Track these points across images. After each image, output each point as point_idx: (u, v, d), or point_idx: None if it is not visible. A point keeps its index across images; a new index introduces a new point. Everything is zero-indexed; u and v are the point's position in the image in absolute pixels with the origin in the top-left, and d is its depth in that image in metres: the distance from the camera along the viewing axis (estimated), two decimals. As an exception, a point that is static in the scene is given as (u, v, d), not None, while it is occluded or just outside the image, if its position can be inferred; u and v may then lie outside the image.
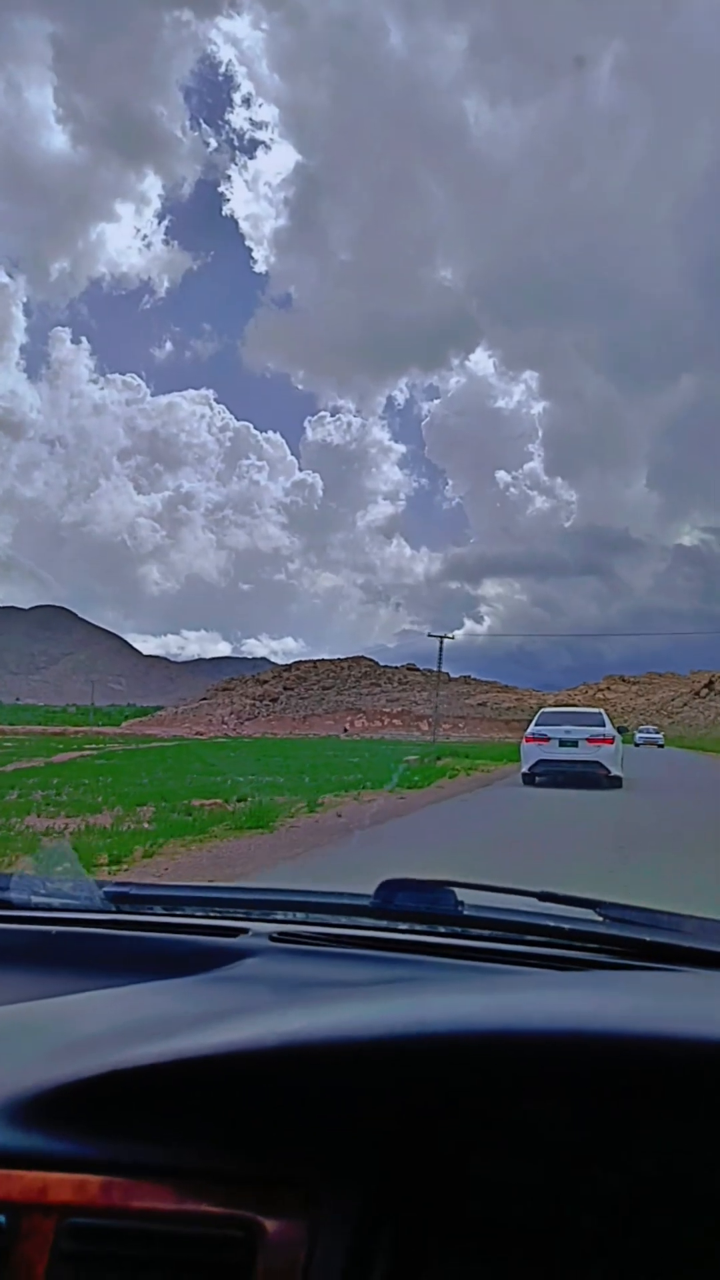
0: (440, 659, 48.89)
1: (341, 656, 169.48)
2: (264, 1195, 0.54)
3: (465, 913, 0.98)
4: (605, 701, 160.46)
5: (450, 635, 47.76)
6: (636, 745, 27.65)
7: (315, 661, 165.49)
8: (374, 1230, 0.54)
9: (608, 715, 15.20)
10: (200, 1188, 0.55)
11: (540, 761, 13.75)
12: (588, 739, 13.48)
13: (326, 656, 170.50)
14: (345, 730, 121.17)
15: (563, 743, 13.55)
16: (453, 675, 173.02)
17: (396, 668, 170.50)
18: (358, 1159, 0.55)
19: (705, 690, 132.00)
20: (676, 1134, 0.51)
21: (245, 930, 0.95)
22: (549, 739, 13.75)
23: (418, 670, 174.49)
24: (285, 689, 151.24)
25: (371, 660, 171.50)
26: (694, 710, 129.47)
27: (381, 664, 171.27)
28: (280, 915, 1.03)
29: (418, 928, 0.97)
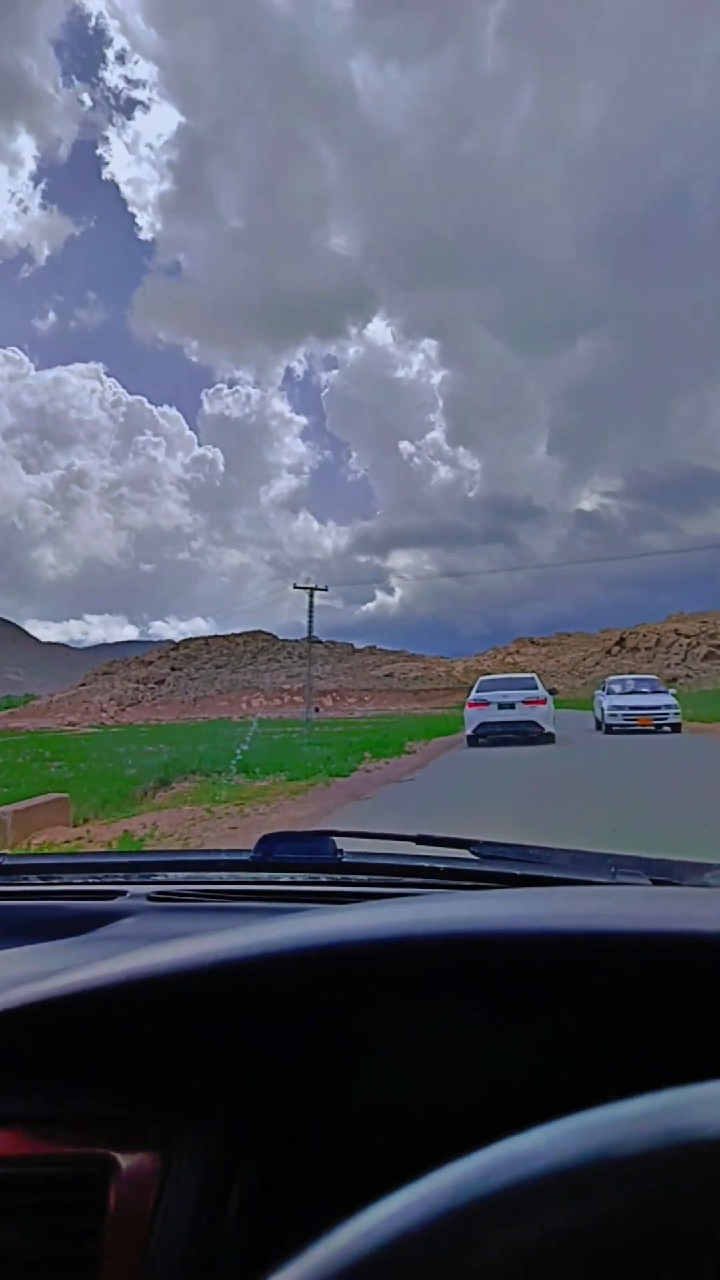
0: (311, 618, 40.98)
1: (237, 631, 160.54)
2: (118, 1133, 0.56)
3: (344, 860, 1.01)
4: (516, 665, 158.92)
5: (322, 587, 39.87)
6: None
7: (207, 638, 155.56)
8: (231, 1162, 0.55)
9: (539, 678, 17.07)
10: (54, 1130, 0.56)
11: (483, 724, 15.35)
12: (523, 701, 15.37)
13: (219, 632, 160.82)
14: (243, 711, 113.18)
15: (501, 706, 15.32)
16: (357, 646, 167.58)
17: (298, 641, 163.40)
18: (215, 1091, 0.56)
19: (616, 648, 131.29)
20: (549, 1036, 0.52)
21: (123, 893, 0.96)
22: (489, 704, 15.49)
23: (321, 643, 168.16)
24: (173, 669, 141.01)
25: (270, 634, 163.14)
26: (605, 669, 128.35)
27: (281, 638, 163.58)
28: (159, 876, 1.04)
29: (298, 878, 1.00)
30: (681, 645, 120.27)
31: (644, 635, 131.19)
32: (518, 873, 0.93)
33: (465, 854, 1.02)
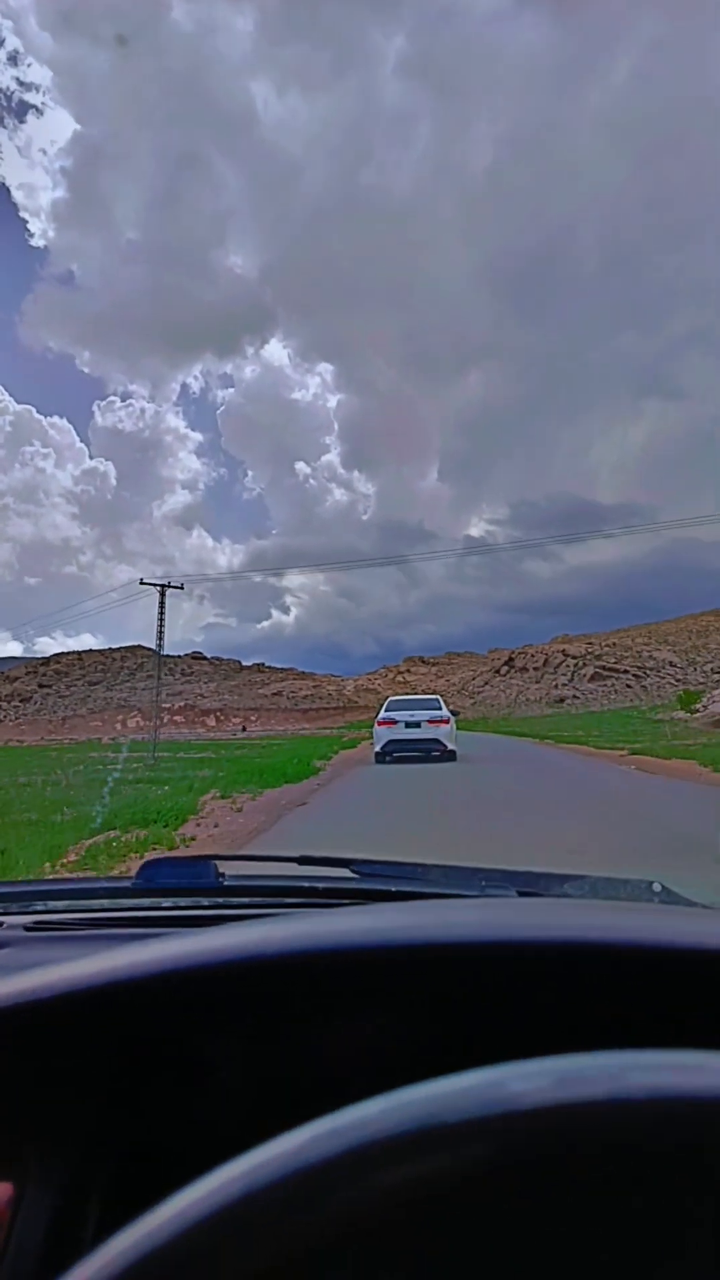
0: (162, 618, 36.83)
1: (115, 646, 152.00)
2: None
3: (226, 883, 1.03)
4: (406, 684, 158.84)
5: (177, 584, 35.65)
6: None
7: (81, 653, 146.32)
8: (85, 1186, 0.55)
9: (443, 701, 18.62)
10: None
11: (391, 741, 16.74)
12: (428, 720, 16.83)
13: (95, 646, 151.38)
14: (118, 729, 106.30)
15: (408, 725, 16.78)
16: (245, 663, 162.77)
17: (180, 657, 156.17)
18: (67, 1117, 0.56)
19: (505, 668, 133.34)
20: (412, 1043, 0.54)
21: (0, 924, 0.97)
22: (397, 722, 16.90)
23: (205, 659, 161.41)
24: (41, 686, 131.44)
25: (150, 649, 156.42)
26: (495, 689, 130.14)
27: (162, 653, 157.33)
28: (38, 905, 1.04)
29: (180, 902, 1.01)
30: (569, 666, 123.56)
31: (531, 655, 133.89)
32: (393, 889, 0.96)
33: (345, 873, 1.05)
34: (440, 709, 17.62)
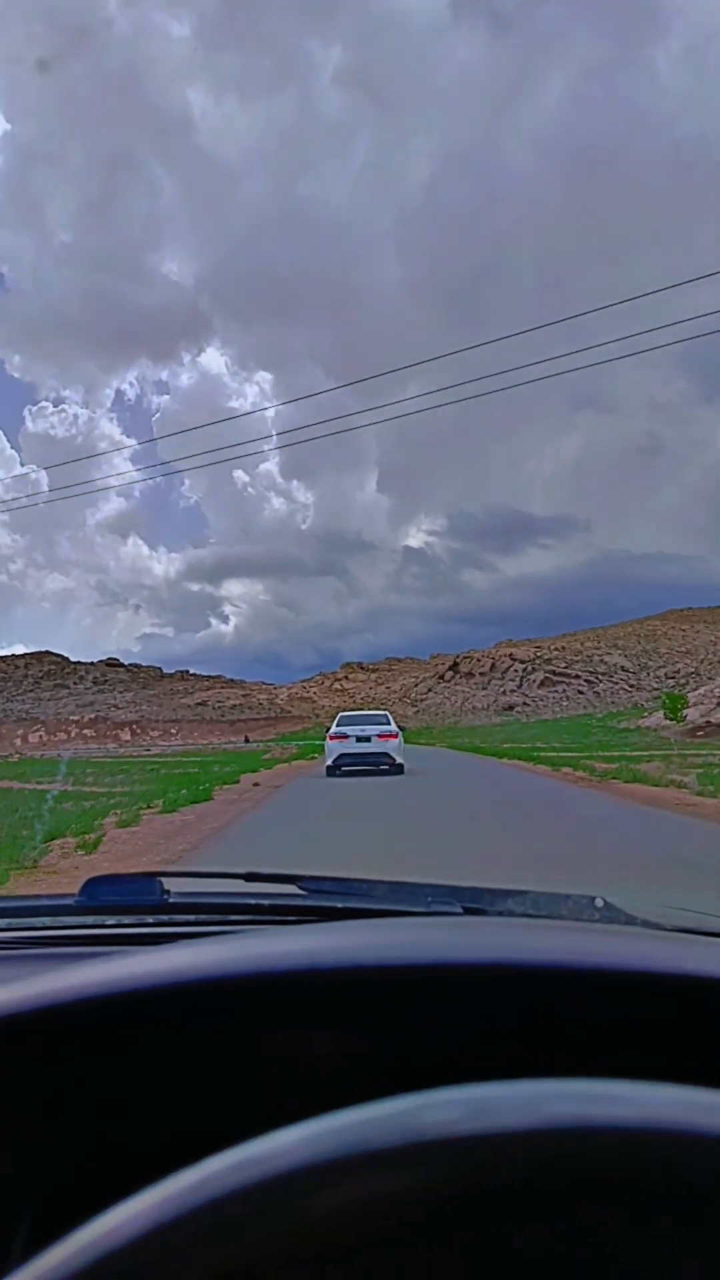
0: None
1: (19, 652, 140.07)
2: None
3: (171, 900, 1.03)
4: (344, 691, 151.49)
5: None
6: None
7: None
8: (15, 1201, 0.55)
9: (392, 716, 19.73)
10: None
11: (342, 755, 17.50)
12: (378, 735, 17.75)
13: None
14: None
15: (359, 739, 17.69)
16: (166, 670, 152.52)
17: (92, 664, 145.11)
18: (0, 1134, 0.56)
19: (450, 673, 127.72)
20: (353, 1064, 0.54)
21: None
22: (348, 736, 17.80)
23: (121, 666, 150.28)
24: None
25: (59, 656, 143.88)
26: (439, 695, 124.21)
27: (73, 660, 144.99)
28: None
29: (124, 920, 1.01)
30: (517, 671, 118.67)
31: (477, 660, 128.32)
32: (340, 905, 0.97)
33: (292, 889, 1.06)
34: (389, 724, 18.41)
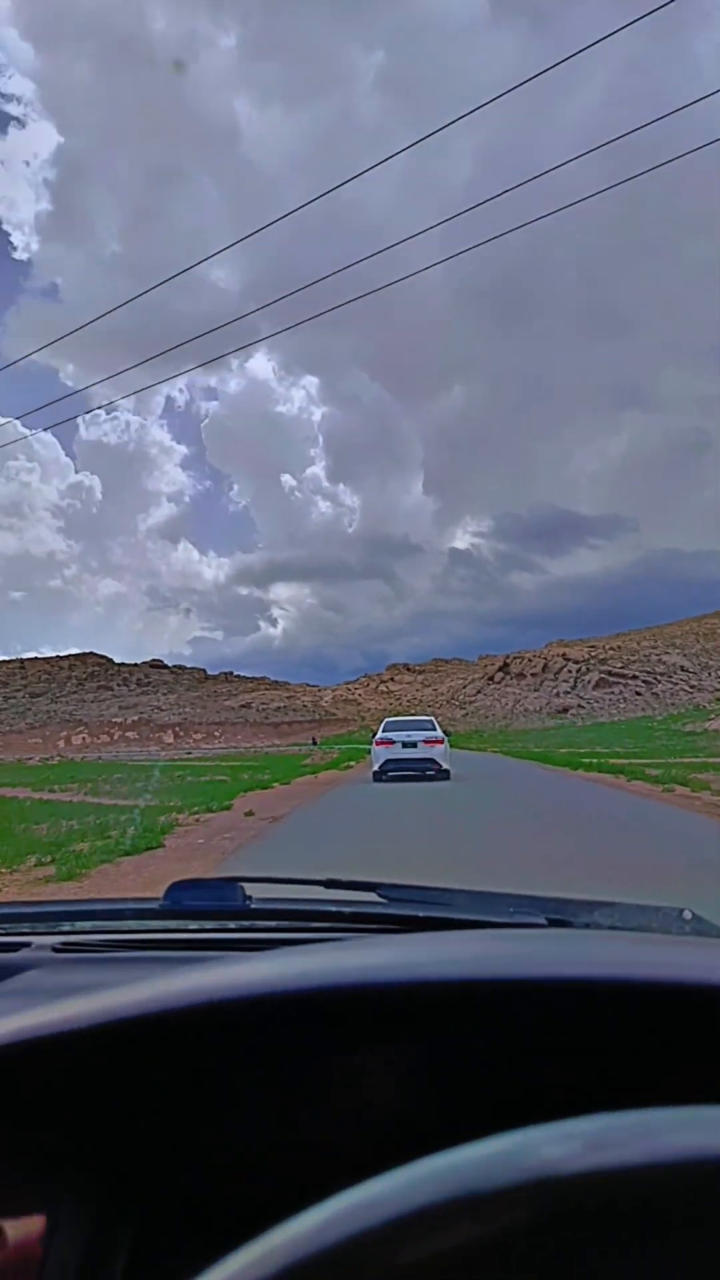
0: None
1: (64, 653, 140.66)
2: (4, 1197, 0.56)
3: (253, 906, 1.05)
4: (390, 693, 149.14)
5: None
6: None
7: (24, 661, 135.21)
8: (118, 1217, 0.57)
9: (437, 722, 19.54)
10: None
11: (389, 761, 17.64)
12: (424, 740, 17.81)
13: (38, 654, 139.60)
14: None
15: (405, 745, 17.75)
16: (210, 672, 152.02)
17: (136, 665, 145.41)
18: (101, 1148, 0.57)
19: (500, 674, 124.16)
20: (428, 1078, 0.55)
21: (27, 944, 0.98)
22: (394, 742, 17.90)
23: (165, 667, 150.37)
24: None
25: (103, 657, 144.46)
26: (489, 698, 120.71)
27: (117, 661, 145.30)
28: (65, 926, 1.06)
29: (207, 925, 1.03)
30: (570, 672, 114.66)
31: (528, 661, 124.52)
32: (421, 914, 0.97)
33: (372, 897, 1.06)
34: (435, 729, 18.45)
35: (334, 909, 1.01)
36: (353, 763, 32.44)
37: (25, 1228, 0.56)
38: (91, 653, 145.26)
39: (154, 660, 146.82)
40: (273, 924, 1.02)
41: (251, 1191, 0.58)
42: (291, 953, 0.70)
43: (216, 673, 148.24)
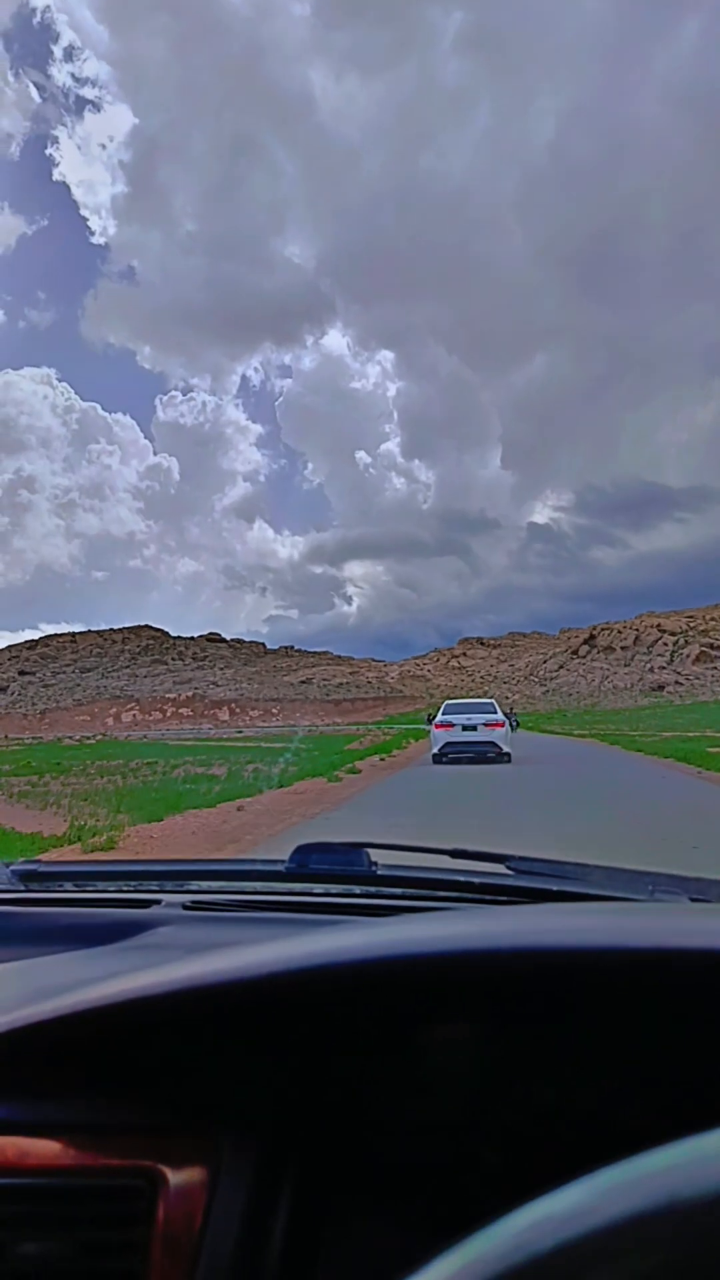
0: None
1: (115, 626, 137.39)
2: (163, 1144, 0.59)
3: (379, 872, 1.06)
4: (461, 669, 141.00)
5: None
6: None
7: (75, 635, 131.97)
8: (276, 1174, 0.58)
9: (498, 703, 19.75)
10: (99, 1141, 0.59)
11: (448, 744, 17.64)
12: (484, 724, 17.84)
13: (91, 627, 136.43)
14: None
15: (465, 728, 17.77)
16: (270, 646, 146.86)
17: (193, 639, 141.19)
18: (259, 1103, 0.59)
19: (585, 648, 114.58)
20: (581, 1057, 0.55)
21: (158, 901, 1.01)
22: (454, 725, 17.91)
23: (222, 641, 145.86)
24: (22, 673, 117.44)
25: (158, 630, 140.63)
26: (572, 674, 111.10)
27: (172, 634, 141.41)
28: (194, 885, 1.10)
29: (333, 889, 1.04)
30: (665, 644, 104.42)
31: (618, 633, 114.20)
32: (554, 888, 0.95)
33: (500, 869, 1.06)
34: (495, 712, 18.51)
35: (462, 879, 1.01)
36: (409, 743, 27.11)
37: (188, 1176, 0.58)
38: (147, 625, 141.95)
39: (211, 634, 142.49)
40: (398, 891, 1.02)
41: (398, 1160, 0.59)
42: (441, 916, 0.70)
43: (276, 647, 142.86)
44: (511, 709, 34.09)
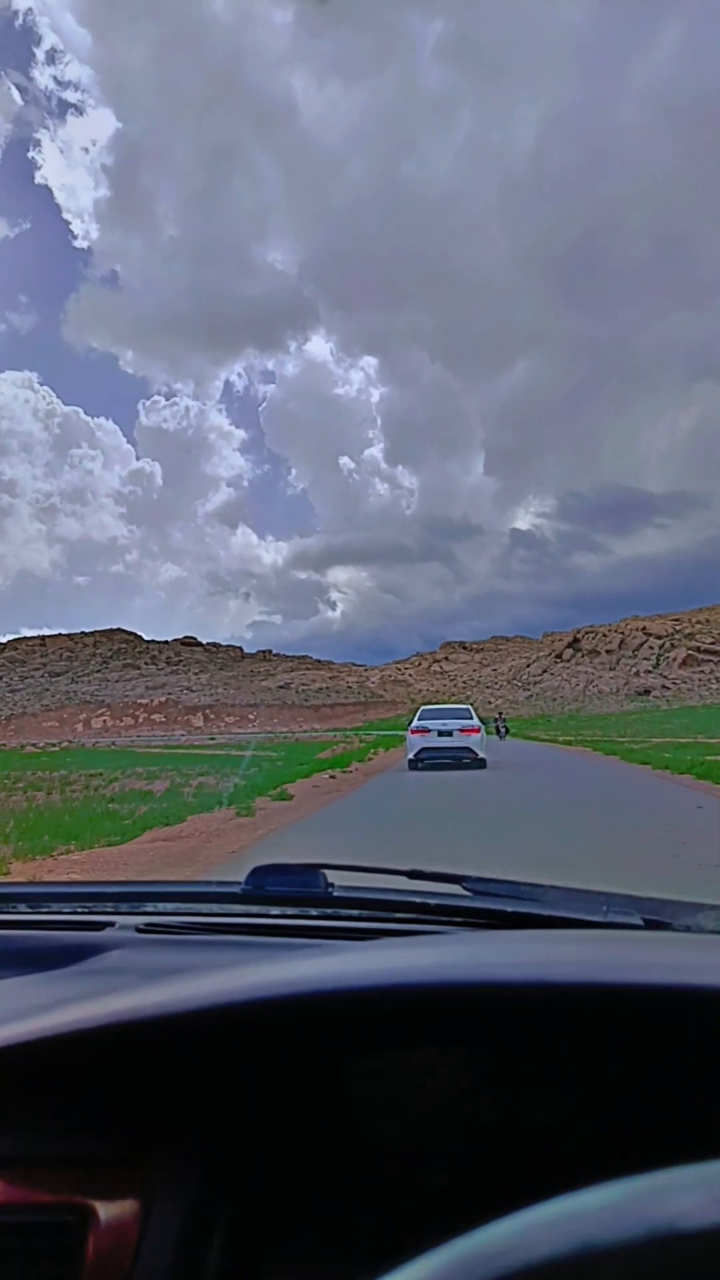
0: None
1: (87, 630, 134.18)
2: (97, 1178, 0.58)
3: (335, 894, 1.06)
4: (444, 673, 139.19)
5: None
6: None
7: (44, 638, 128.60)
8: (212, 1205, 0.57)
9: (473, 708, 19.90)
10: (30, 1174, 0.58)
11: (424, 749, 17.70)
12: (460, 729, 17.75)
13: (62, 630, 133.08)
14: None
15: (440, 733, 17.72)
16: (247, 650, 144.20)
17: (166, 643, 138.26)
18: (193, 1135, 0.59)
19: (569, 651, 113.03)
20: (526, 1082, 0.56)
21: (111, 924, 1.01)
22: (430, 730, 17.87)
23: (198, 645, 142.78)
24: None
25: (131, 633, 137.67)
26: (556, 677, 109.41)
27: (145, 638, 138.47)
28: (149, 907, 1.09)
29: (288, 911, 1.04)
30: (651, 648, 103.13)
31: (603, 636, 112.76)
32: (509, 909, 0.96)
33: (457, 889, 1.05)
34: (472, 718, 18.48)
35: (418, 900, 1.01)
36: (383, 750, 24.94)
37: (119, 1210, 0.57)
38: (119, 629, 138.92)
39: (186, 637, 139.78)
40: (355, 913, 1.01)
41: (340, 1186, 0.58)
42: (390, 945, 0.70)
43: (254, 651, 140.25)
44: (501, 715, 32.05)
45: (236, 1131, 0.58)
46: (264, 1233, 0.59)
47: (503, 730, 35.53)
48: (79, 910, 1.08)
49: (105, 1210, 0.57)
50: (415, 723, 18.60)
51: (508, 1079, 0.56)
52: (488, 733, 20.59)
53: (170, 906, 1.08)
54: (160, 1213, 0.57)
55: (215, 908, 1.08)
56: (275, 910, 1.04)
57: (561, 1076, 0.55)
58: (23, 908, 1.09)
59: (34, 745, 65.31)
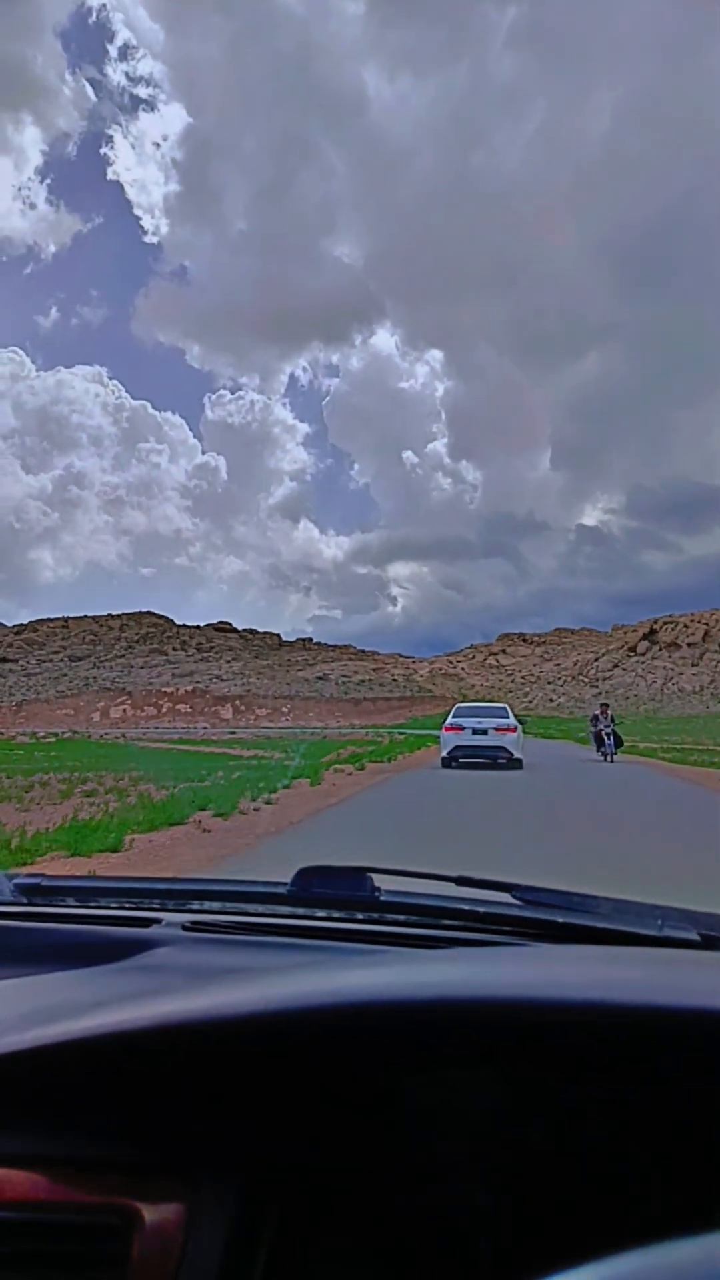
0: None
1: (115, 612, 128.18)
2: (142, 1181, 0.58)
3: (382, 898, 1.06)
4: (500, 668, 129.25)
5: None
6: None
7: (67, 619, 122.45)
8: (258, 1214, 0.58)
9: (511, 708, 20.35)
10: (77, 1176, 0.58)
11: (457, 747, 18.40)
12: (495, 728, 18.40)
13: (88, 613, 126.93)
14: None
15: (475, 731, 18.39)
16: (285, 638, 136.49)
17: (198, 628, 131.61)
18: (241, 1143, 0.59)
19: (644, 644, 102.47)
20: (571, 1102, 0.56)
21: (158, 920, 1.02)
22: (464, 728, 18.57)
23: (232, 630, 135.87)
24: (3, 660, 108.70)
25: (161, 617, 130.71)
26: (629, 673, 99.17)
27: (177, 622, 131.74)
28: (195, 905, 1.10)
29: (334, 914, 1.05)
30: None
31: (684, 627, 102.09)
32: (560, 920, 0.94)
33: (506, 897, 1.05)
34: (508, 717, 19.12)
35: (467, 907, 1.00)
36: (411, 752, 22.17)
37: (164, 1214, 0.57)
38: (149, 612, 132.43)
39: (220, 622, 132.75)
40: (402, 918, 1.02)
41: (397, 1201, 0.59)
42: (444, 957, 0.71)
43: (293, 639, 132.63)
44: (608, 714, 22.63)
45: (282, 1141, 0.59)
46: (309, 1244, 0.59)
47: (610, 742, 21.77)
48: (126, 906, 1.10)
49: (151, 1213, 0.57)
50: (449, 720, 19.32)
51: (561, 1101, 0.56)
52: (584, 743, 19.41)
53: (216, 905, 1.10)
54: (206, 1218, 0.57)
55: (261, 908, 1.08)
56: (321, 913, 1.05)
57: (616, 1101, 0.54)
58: (71, 901, 1.12)
59: (29, 735, 59.21)
